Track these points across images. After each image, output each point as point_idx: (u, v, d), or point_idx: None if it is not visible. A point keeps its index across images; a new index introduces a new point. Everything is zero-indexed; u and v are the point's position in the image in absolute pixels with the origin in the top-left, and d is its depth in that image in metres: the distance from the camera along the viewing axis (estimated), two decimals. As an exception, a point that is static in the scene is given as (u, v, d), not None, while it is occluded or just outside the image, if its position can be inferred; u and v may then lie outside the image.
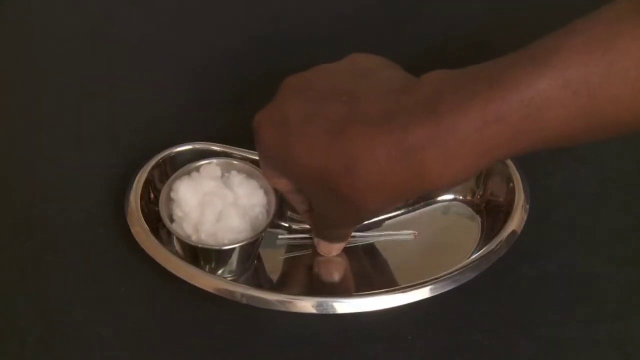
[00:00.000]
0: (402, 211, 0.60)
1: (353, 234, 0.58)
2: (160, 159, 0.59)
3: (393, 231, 0.59)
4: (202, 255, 0.55)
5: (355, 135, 0.43)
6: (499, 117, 0.41)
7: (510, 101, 0.41)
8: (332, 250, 0.56)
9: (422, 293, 0.54)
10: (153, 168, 0.58)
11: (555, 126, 0.42)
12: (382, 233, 0.59)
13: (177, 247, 0.57)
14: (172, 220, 0.56)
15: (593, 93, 0.41)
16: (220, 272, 0.56)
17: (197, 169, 0.57)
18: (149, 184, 0.58)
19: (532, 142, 0.42)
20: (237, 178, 0.57)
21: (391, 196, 0.44)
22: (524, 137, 0.42)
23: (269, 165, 0.50)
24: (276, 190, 0.57)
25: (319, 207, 0.50)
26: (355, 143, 0.43)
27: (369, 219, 0.50)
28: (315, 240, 0.57)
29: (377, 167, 0.43)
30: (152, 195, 0.58)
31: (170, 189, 0.56)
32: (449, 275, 0.54)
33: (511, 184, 0.58)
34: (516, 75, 0.41)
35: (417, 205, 0.61)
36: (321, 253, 0.57)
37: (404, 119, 0.42)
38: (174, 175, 0.57)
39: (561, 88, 0.41)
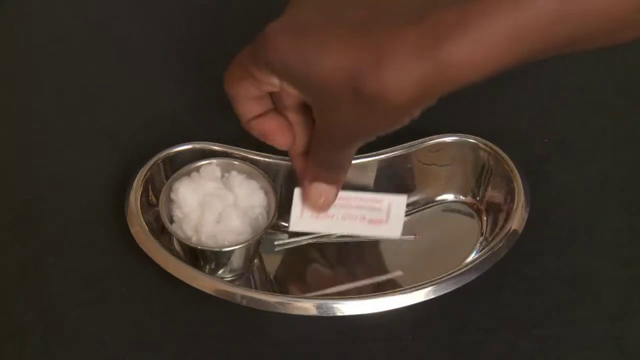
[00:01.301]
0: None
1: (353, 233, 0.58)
2: (160, 159, 0.59)
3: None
4: (202, 257, 0.55)
5: (383, 30, 0.42)
6: (535, 4, 0.40)
7: None
8: (326, 198, 0.53)
9: (423, 295, 0.54)
10: (153, 168, 0.58)
11: (589, 18, 0.40)
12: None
13: (177, 247, 0.57)
14: (172, 221, 0.56)
15: None
16: (220, 273, 0.56)
17: (197, 169, 0.57)
18: (149, 184, 0.58)
19: (562, 37, 0.41)
20: (237, 179, 0.57)
21: (421, 92, 0.42)
22: (555, 29, 0.40)
23: (264, 75, 0.47)
24: (276, 192, 0.57)
25: (331, 119, 0.47)
26: (383, 37, 0.42)
27: (393, 123, 0.46)
28: (308, 190, 0.53)
29: (406, 59, 0.41)
30: (152, 196, 0.58)
31: (170, 190, 0.56)
32: (449, 277, 0.54)
33: (511, 184, 0.58)
34: None
35: (417, 206, 0.61)
36: (312, 203, 0.53)
37: (434, 10, 0.41)
38: (174, 175, 0.57)
39: None
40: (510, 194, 0.58)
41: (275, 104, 0.51)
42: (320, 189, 0.52)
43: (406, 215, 0.60)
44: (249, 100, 0.50)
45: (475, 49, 0.41)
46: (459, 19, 0.40)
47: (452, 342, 0.54)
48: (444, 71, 0.41)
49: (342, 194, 0.55)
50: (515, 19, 0.40)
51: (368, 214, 0.55)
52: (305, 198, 0.53)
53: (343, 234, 0.58)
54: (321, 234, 0.59)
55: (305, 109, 0.49)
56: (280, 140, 0.51)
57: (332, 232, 0.57)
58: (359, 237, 0.59)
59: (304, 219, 0.55)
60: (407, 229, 0.60)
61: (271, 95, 0.50)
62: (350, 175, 0.56)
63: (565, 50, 0.42)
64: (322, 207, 0.54)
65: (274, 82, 0.47)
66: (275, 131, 0.51)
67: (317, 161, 0.51)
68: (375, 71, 0.42)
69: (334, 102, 0.45)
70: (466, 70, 0.41)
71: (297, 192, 0.54)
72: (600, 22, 0.41)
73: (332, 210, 0.55)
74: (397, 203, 0.55)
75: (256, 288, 0.56)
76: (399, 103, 0.43)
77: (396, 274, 0.58)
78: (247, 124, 0.52)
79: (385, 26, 0.42)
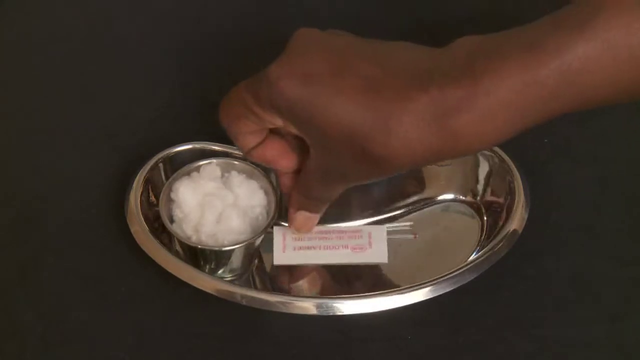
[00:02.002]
0: (402, 211, 0.60)
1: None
2: (160, 158, 0.59)
3: (393, 231, 0.59)
4: (202, 256, 0.55)
5: (392, 94, 0.42)
6: (538, 79, 0.41)
7: (550, 64, 0.40)
8: (309, 223, 0.55)
9: (422, 294, 0.54)
10: (153, 168, 0.58)
11: (593, 89, 0.41)
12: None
13: (177, 247, 0.57)
14: (172, 220, 0.56)
15: (634, 55, 0.40)
16: (220, 272, 0.56)
17: (197, 169, 0.57)
18: (149, 184, 0.58)
19: (569, 104, 0.42)
20: (237, 179, 0.57)
21: (425, 158, 0.43)
22: (561, 99, 0.41)
23: (281, 118, 0.47)
24: (276, 191, 0.57)
25: (330, 163, 0.48)
26: (393, 102, 0.42)
27: (391, 174, 0.47)
28: (292, 214, 0.55)
29: (415, 127, 0.42)
30: (152, 196, 0.58)
31: (170, 190, 0.56)
32: (449, 277, 0.54)
33: (511, 184, 0.58)
34: (556, 38, 0.40)
35: (417, 205, 0.61)
36: (296, 228, 0.55)
37: (441, 79, 0.42)
38: (174, 175, 0.57)
39: (601, 51, 0.40)
40: (510, 194, 0.58)
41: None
42: (305, 216, 0.55)
43: (406, 214, 0.61)
44: (249, 134, 0.51)
45: (484, 121, 0.42)
46: (465, 95, 0.41)
47: (451, 342, 0.54)
48: (451, 141, 0.42)
49: (321, 228, 0.58)
50: (520, 95, 0.41)
51: (350, 242, 0.58)
52: (289, 222, 0.56)
53: (329, 264, 0.58)
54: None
55: (302, 140, 0.49)
56: (283, 164, 0.52)
57: (317, 263, 0.58)
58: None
59: (287, 254, 0.58)
60: (407, 228, 0.60)
61: None
62: None
63: (574, 111, 0.43)
64: (305, 231, 0.56)
65: (278, 122, 0.48)
66: (277, 157, 0.52)
67: (306, 193, 0.53)
68: (383, 136, 0.43)
69: (337, 152, 0.46)
70: (474, 140, 0.42)
71: (276, 229, 0.58)
72: (591, 96, 0.42)
73: (313, 243, 0.58)
74: (377, 231, 0.59)
75: (256, 288, 0.56)
76: (402, 165, 0.44)
77: (407, 229, 0.60)
78: (248, 154, 0.53)
79: (394, 90, 0.43)
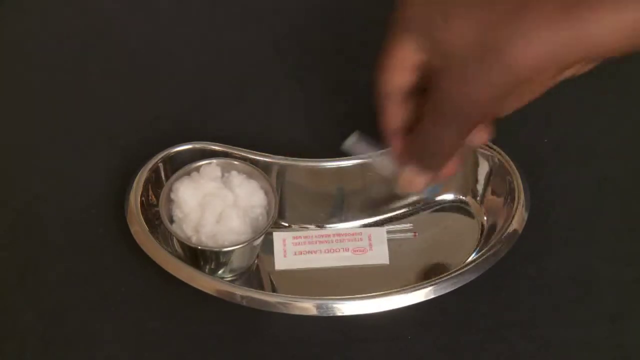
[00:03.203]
0: (402, 212, 0.60)
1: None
2: (160, 159, 0.59)
3: (393, 231, 0.59)
4: (202, 257, 0.55)
5: None
6: None
7: None
8: (417, 181, 0.49)
9: (423, 295, 0.54)
10: (153, 168, 0.58)
11: None
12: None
13: (177, 247, 0.57)
14: (172, 221, 0.56)
15: None
16: (220, 273, 0.56)
17: (197, 169, 0.57)
18: (149, 184, 0.58)
19: None
20: (237, 179, 0.57)
21: (552, 53, 0.41)
22: None
23: (407, 37, 0.46)
24: (276, 191, 0.57)
25: (451, 88, 0.45)
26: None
27: (516, 94, 0.45)
28: (402, 174, 0.49)
29: (542, 22, 0.41)
30: (152, 196, 0.58)
31: (170, 190, 0.56)
32: (449, 277, 0.54)
33: (511, 184, 0.58)
34: None
35: (417, 206, 0.61)
36: (402, 187, 0.50)
37: None
38: (174, 175, 0.57)
39: None
40: (510, 194, 0.58)
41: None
42: (414, 174, 0.49)
43: (406, 214, 0.61)
44: (393, 72, 0.48)
45: (617, 23, 0.40)
46: None
47: (452, 342, 0.54)
48: (579, 36, 0.40)
49: (321, 232, 0.59)
50: None
51: (350, 245, 0.58)
52: (398, 179, 0.50)
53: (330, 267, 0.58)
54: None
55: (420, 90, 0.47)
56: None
57: (318, 266, 0.58)
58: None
59: (288, 259, 0.58)
60: (407, 228, 0.60)
61: None
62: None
63: None
64: (411, 190, 0.50)
65: (416, 54, 0.46)
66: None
67: (421, 140, 0.48)
68: (508, 25, 0.41)
69: (460, 62, 0.43)
70: (602, 39, 0.40)
71: (276, 235, 0.58)
72: None
73: (314, 247, 0.58)
74: (378, 233, 0.59)
75: (256, 288, 0.56)
76: (526, 64, 0.41)
77: (407, 228, 0.60)
78: (395, 133, 0.49)
79: None
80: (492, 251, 0.56)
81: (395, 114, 0.49)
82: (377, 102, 0.48)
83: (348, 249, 0.58)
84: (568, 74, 0.44)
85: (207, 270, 0.56)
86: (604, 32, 0.40)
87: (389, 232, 0.59)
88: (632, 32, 0.41)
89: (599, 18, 0.40)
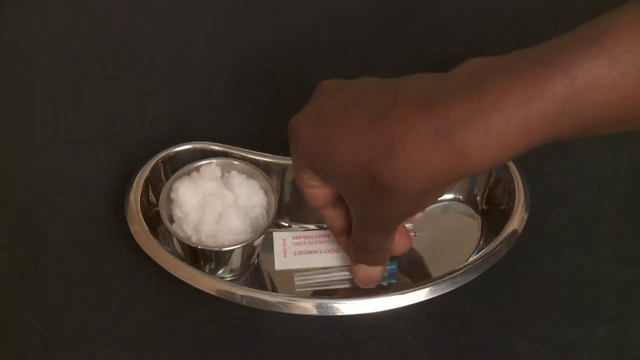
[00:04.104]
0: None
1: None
2: (160, 159, 0.59)
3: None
4: (202, 256, 0.55)
5: (396, 118, 0.43)
6: (544, 95, 0.40)
7: (556, 80, 0.40)
8: (372, 276, 0.54)
9: (422, 295, 0.54)
10: (153, 168, 0.58)
11: (600, 108, 0.41)
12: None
13: (177, 247, 0.57)
14: (172, 220, 0.56)
15: None
16: (220, 272, 0.56)
17: (197, 169, 0.57)
18: (149, 184, 0.58)
19: (574, 124, 0.41)
20: (237, 179, 0.57)
21: (433, 180, 0.43)
22: (567, 117, 0.41)
23: (307, 170, 0.49)
24: (276, 191, 0.57)
25: (359, 208, 0.48)
26: (396, 125, 0.42)
27: (411, 213, 0.48)
28: (354, 269, 0.54)
29: (419, 148, 0.42)
30: (152, 196, 0.58)
31: (170, 190, 0.56)
32: (449, 277, 0.54)
33: (511, 184, 0.58)
34: (563, 55, 0.40)
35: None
36: (360, 284, 0.55)
37: (446, 98, 0.42)
38: (174, 175, 0.57)
39: (608, 68, 0.40)
40: (510, 194, 0.58)
41: None
42: (366, 270, 0.54)
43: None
44: (328, 209, 0.52)
45: (486, 140, 0.41)
46: (470, 111, 0.41)
47: (452, 342, 0.54)
48: (456, 161, 0.42)
49: (321, 232, 0.59)
50: (525, 110, 0.41)
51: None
52: (353, 275, 0.55)
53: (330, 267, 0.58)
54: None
55: None
56: (336, 223, 0.53)
57: (318, 266, 0.58)
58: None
59: (288, 259, 0.58)
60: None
61: None
62: None
63: (579, 136, 0.43)
64: (370, 285, 0.55)
65: (313, 178, 0.49)
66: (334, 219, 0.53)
67: (356, 246, 0.52)
68: (388, 160, 0.43)
69: (355, 190, 0.46)
70: (477, 160, 0.42)
71: (275, 235, 0.58)
72: (597, 116, 0.41)
73: (314, 247, 0.58)
74: None
75: (256, 288, 0.56)
76: (412, 191, 0.43)
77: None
78: (338, 236, 0.54)
79: (398, 114, 0.43)
80: (492, 251, 0.56)
81: (332, 218, 0.52)
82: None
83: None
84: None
85: (207, 270, 0.56)
86: (476, 158, 0.42)
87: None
88: (504, 147, 0.42)
89: (469, 147, 0.41)
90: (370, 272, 0.54)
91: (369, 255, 0.53)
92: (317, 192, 0.50)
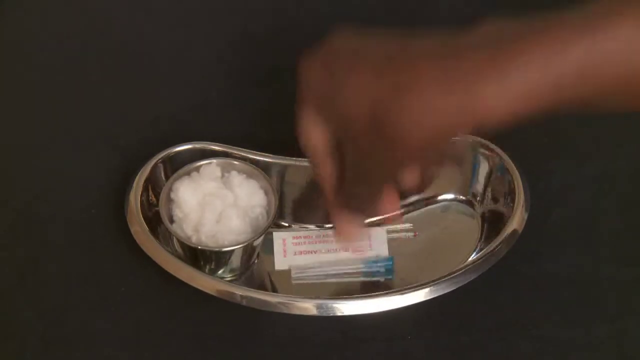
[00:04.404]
0: (401, 211, 0.60)
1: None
2: (160, 159, 0.59)
3: (393, 231, 0.59)
4: (202, 256, 0.55)
5: (409, 63, 0.42)
6: (566, 56, 0.40)
7: (582, 42, 0.40)
8: (351, 233, 0.52)
9: (422, 295, 0.54)
10: (153, 168, 0.58)
11: (618, 75, 0.41)
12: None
13: (177, 247, 0.57)
14: (172, 221, 0.56)
15: None
16: (220, 272, 0.56)
17: (197, 169, 0.57)
18: (149, 184, 0.58)
19: (587, 91, 0.41)
20: (237, 179, 0.57)
21: (439, 126, 0.42)
22: (583, 83, 0.41)
23: (311, 110, 0.48)
24: (276, 191, 0.57)
25: (357, 153, 0.47)
26: (409, 70, 0.42)
27: (408, 163, 0.47)
28: (335, 224, 0.52)
29: (430, 92, 0.41)
30: (152, 196, 0.58)
31: (170, 190, 0.56)
32: (449, 277, 0.54)
33: (511, 184, 0.58)
34: (585, 20, 0.40)
35: (417, 206, 0.61)
36: (340, 239, 0.53)
37: (461, 49, 0.41)
38: (174, 175, 0.57)
39: (635, 33, 0.40)
40: (510, 194, 0.58)
41: None
42: (346, 220, 0.52)
43: (406, 214, 0.60)
44: (322, 157, 0.50)
45: (499, 91, 0.41)
46: (486, 61, 0.41)
47: (452, 342, 0.54)
48: (464, 109, 0.41)
49: (321, 231, 0.59)
50: (544, 68, 0.40)
51: (350, 245, 0.58)
52: (335, 229, 0.53)
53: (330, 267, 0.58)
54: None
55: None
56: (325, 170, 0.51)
57: (318, 267, 0.58)
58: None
59: (288, 259, 0.58)
60: (407, 227, 0.60)
61: None
62: None
63: (587, 106, 0.42)
64: (349, 238, 0.53)
65: (317, 120, 0.48)
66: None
67: (345, 196, 0.50)
68: (397, 101, 0.42)
69: (357, 134, 0.45)
70: (486, 111, 0.41)
71: (275, 235, 0.58)
72: (614, 83, 0.41)
73: (314, 247, 0.58)
74: (378, 233, 0.59)
75: (256, 288, 0.56)
76: (416, 136, 0.42)
77: (408, 227, 0.60)
78: (326, 186, 0.51)
79: (411, 60, 0.42)
80: (492, 251, 0.56)
81: (323, 166, 0.50)
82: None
83: (348, 249, 0.58)
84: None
85: (207, 270, 0.56)
86: (488, 103, 0.41)
87: (389, 232, 0.59)
88: (515, 103, 0.41)
89: (482, 90, 0.41)
90: (350, 223, 0.52)
91: (355, 205, 0.51)
92: (315, 136, 0.49)
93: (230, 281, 0.56)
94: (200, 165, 0.57)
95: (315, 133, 0.49)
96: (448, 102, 0.41)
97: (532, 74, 0.40)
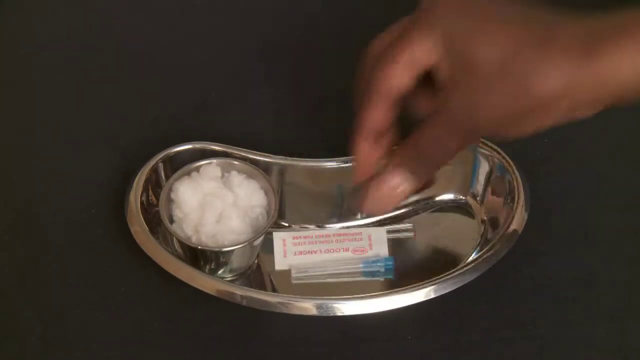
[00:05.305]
0: (401, 211, 0.60)
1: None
2: (160, 159, 0.59)
3: (393, 231, 0.59)
4: (202, 257, 0.55)
5: (550, 24, 0.43)
6: None
7: None
8: (400, 191, 0.48)
9: (423, 294, 0.54)
10: (153, 168, 0.58)
11: None
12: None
13: (177, 247, 0.57)
14: (172, 221, 0.56)
15: None
16: (220, 273, 0.56)
17: (197, 169, 0.57)
18: (149, 184, 0.58)
19: None
20: (237, 178, 0.57)
21: (569, 86, 0.43)
22: None
23: (429, 41, 0.45)
24: (276, 191, 0.57)
25: (465, 96, 0.45)
26: (549, 30, 0.43)
27: (527, 118, 0.44)
28: (386, 175, 0.47)
29: (567, 52, 0.43)
30: (152, 196, 0.58)
31: (170, 190, 0.56)
32: (449, 277, 0.54)
33: (511, 184, 0.58)
34: None
35: (417, 206, 0.61)
36: (370, 210, 0.50)
37: (593, 21, 0.43)
38: (174, 175, 0.57)
39: None
40: (510, 194, 0.58)
41: None
42: (404, 179, 0.47)
43: (406, 215, 0.60)
44: (395, 79, 0.46)
45: (632, 55, 0.42)
46: (618, 27, 0.42)
47: (452, 342, 0.54)
48: (599, 70, 0.42)
49: (321, 232, 0.59)
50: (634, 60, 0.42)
51: (350, 245, 0.58)
52: (379, 184, 0.48)
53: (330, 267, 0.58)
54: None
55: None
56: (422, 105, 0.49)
57: (318, 267, 0.57)
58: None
59: (288, 259, 0.58)
60: (406, 227, 0.60)
61: None
62: None
63: None
64: (390, 202, 0.48)
65: (432, 58, 0.45)
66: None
67: (424, 145, 0.46)
68: (536, 53, 0.42)
69: (480, 76, 0.44)
70: (617, 81, 0.42)
71: (275, 235, 0.58)
72: None
73: (314, 247, 0.58)
74: (378, 233, 0.59)
75: (256, 288, 0.56)
76: (545, 90, 0.43)
77: (407, 227, 0.60)
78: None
79: (549, 22, 0.43)
80: (492, 251, 0.56)
81: (380, 116, 0.47)
82: (364, 98, 0.46)
83: (348, 249, 0.58)
84: (580, 114, 0.45)
85: (207, 270, 0.56)
86: (620, 74, 0.42)
87: (389, 232, 0.59)
88: (608, 90, 0.43)
89: (618, 60, 0.42)
90: (404, 186, 0.47)
91: (424, 159, 0.47)
92: (405, 70, 0.46)
93: (230, 281, 0.56)
94: (200, 165, 0.57)
95: (403, 71, 0.46)
96: (583, 68, 0.42)
97: (624, 63, 0.42)
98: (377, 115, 0.47)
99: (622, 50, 0.42)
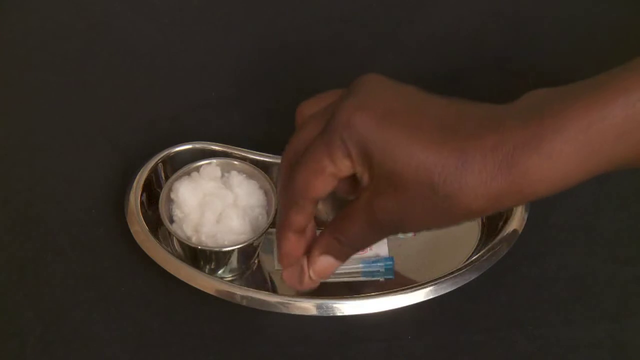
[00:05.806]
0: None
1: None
2: (160, 159, 0.59)
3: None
4: (202, 257, 0.55)
5: (467, 134, 0.43)
6: (604, 117, 0.41)
7: (616, 103, 0.41)
8: (328, 270, 0.50)
9: (423, 294, 0.54)
10: (153, 168, 0.59)
11: None
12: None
13: (177, 247, 0.57)
14: (172, 221, 0.56)
15: None
16: (220, 273, 0.56)
17: (197, 169, 0.57)
18: (149, 184, 0.58)
19: (635, 150, 0.43)
20: (237, 178, 0.57)
21: (493, 199, 0.43)
22: (628, 142, 0.42)
23: (346, 155, 0.46)
24: (276, 191, 0.57)
25: (395, 206, 0.46)
26: (468, 140, 0.43)
27: (448, 223, 0.46)
28: (315, 256, 0.50)
29: (487, 165, 0.43)
30: (152, 196, 0.58)
31: (170, 190, 0.56)
32: (449, 277, 0.54)
33: (511, 184, 0.58)
34: (622, 79, 0.42)
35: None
36: (315, 273, 0.50)
37: (511, 122, 0.43)
38: (174, 175, 0.57)
39: None
40: (510, 194, 0.58)
41: None
42: (328, 262, 0.50)
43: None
44: (340, 182, 0.48)
45: (551, 161, 0.42)
46: (536, 132, 0.42)
47: (452, 342, 0.54)
48: (519, 182, 0.43)
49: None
50: (586, 134, 0.42)
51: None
52: (310, 267, 0.50)
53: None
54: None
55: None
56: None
57: None
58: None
59: None
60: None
61: None
62: None
63: (638, 165, 0.43)
64: (322, 278, 0.51)
65: (346, 167, 0.46)
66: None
67: (341, 237, 0.49)
68: (457, 173, 0.43)
69: (402, 189, 0.45)
70: (541, 181, 0.43)
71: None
72: None
73: None
74: None
75: (256, 288, 0.56)
76: (469, 208, 0.44)
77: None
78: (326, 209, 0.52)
79: (468, 131, 0.43)
80: (492, 251, 0.56)
81: (306, 217, 0.49)
82: (289, 198, 0.47)
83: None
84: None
85: (207, 270, 0.56)
86: (537, 182, 0.43)
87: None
88: (563, 180, 0.43)
89: (532, 174, 0.42)
90: (331, 266, 0.50)
91: (346, 248, 0.49)
92: (329, 180, 0.47)
93: (230, 281, 0.56)
94: (200, 165, 0.57)
95: (329, 179, 0.47)
96: (504, 178, 0.43)
97: (576, 141, 0.42)
98: (303, 217, 0.49)
99: (535, 164, 0.42)
